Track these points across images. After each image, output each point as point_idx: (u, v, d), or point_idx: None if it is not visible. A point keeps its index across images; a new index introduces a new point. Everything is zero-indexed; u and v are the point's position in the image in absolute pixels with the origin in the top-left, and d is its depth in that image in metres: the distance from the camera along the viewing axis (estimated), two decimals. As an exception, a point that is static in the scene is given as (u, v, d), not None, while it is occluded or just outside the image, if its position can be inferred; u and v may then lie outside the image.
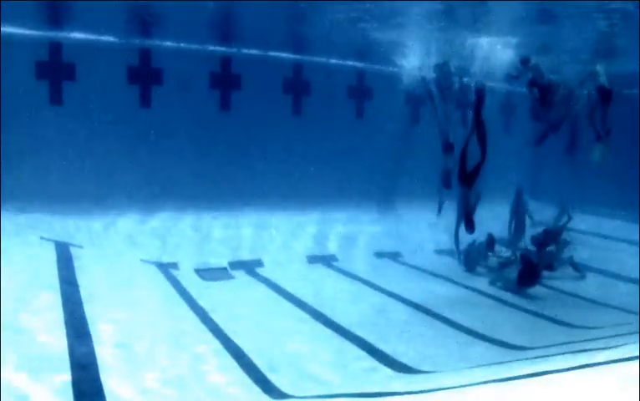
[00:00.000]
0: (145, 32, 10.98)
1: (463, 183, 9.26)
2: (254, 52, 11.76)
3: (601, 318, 8.31)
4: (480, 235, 10.46)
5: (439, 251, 11.78)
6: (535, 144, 11.26)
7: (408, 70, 12.40)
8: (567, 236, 11.22)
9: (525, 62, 9.86)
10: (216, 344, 6.41)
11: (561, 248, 10.83)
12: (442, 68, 11.21)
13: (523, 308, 8.80)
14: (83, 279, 7.69)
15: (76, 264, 8.35)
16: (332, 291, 9.22)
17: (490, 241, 11.08)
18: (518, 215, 12.39)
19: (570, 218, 11.72)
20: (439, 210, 10.71)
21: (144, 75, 10.87)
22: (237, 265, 10.16)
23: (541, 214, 12.98)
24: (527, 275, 9.52)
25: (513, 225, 12.39)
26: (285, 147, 11.78)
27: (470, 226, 9.49)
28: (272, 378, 5.67)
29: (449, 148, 10.31)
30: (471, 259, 10.74)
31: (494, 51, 11.22)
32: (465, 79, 11.54)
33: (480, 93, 8.99)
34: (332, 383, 5.67)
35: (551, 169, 13.35)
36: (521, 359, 6.01)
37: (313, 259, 10.95)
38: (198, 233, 10.83)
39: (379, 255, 11.55)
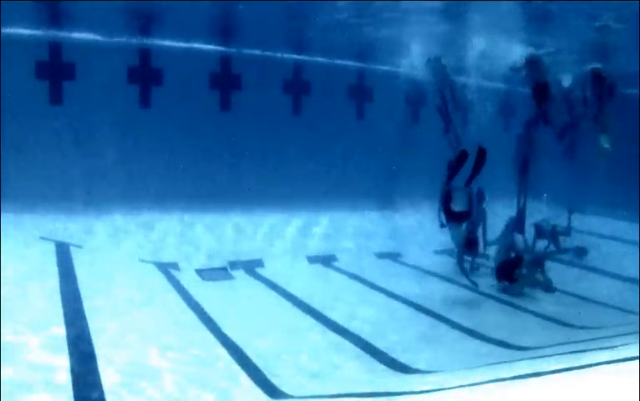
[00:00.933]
0: (145, 32, 10.98)
1: (451, 220, 9.29)
2: (254, 52, 11.76)
3: (601, 318, 8.31)
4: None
5: (439, 251, 11.77)
6: (559, 140, 11.26)
7: (410, 70, 12.40)
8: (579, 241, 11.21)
9: (532, 61, 9.80)
10: (216, 343, 6.41)
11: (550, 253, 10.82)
12: (434, 65, 11.18)
13: (523, 308, 8.80)
14: (83, 279, 7.68)
15: (76, 264, 8.35)
16: (331, 290, 9.21)
17: (480, 194, 10.64)
18: (525, 149, 11.45)
19: (569, 226, 11.71)
20: (442, 224, 10.61)
21: (144, 75, 10.87)
22: (237, 265, 10.16)
23: (542, 214, 12.99)
24: (506, 271, 9.59)
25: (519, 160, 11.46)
26: (285, 147, 11.78)
27: (472, 249, 9.50)
28: (272, 377, 5.67)
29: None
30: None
31: (495, 49, 11.23)
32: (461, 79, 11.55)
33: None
34: (331, 383, 5.67)
35: (551, 169, 13.32)
36: (521, 359, 6.01)
37: (313, 259, 10.95)
38: (198, 233, 10.83)
39: (379, 255, 11.55)
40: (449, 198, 9.17)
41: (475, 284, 9.49)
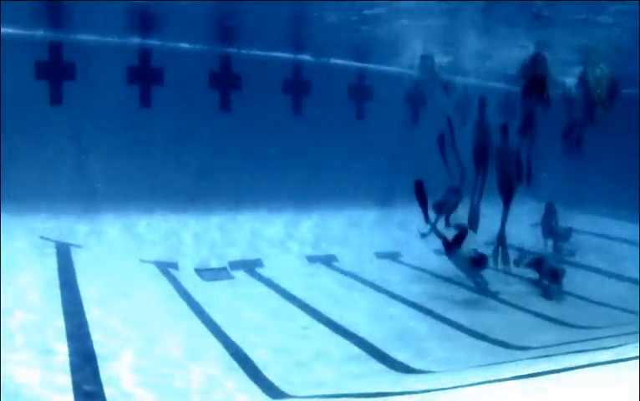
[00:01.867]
0: (145, 33, 10.98)
1: (450, 250, 9.32)
2: (254, 52, 11.76)
3: (602, 318, 8.31)
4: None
5: (439, 251, 11.75)
6: (564, 139, 11.29)
7: (412, 69, 12.40)
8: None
9: (536, 59, 9.68)
10: (216, 343, 6.41)
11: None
12: (425, 62, 11.14)
13: (523, 308, 8.79)
14: (83, 279, 7.68)
15: (76, 264, 8.35)
16: (331, 291, 9.21)
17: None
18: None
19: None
20: (423, 234, 10.34)
21: (144, 75, 10.87)
22: (237, 265, 10.16)
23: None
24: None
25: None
26: (285, 147, 11.77)
27: (482, 265, 9.24)
28: (272, 377, 5.67)
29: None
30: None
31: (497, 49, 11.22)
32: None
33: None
34: (331, 383, 5.67)
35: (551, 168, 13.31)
36: (521, 359, 6.01)
37: (313, 259, 10.94)
38: (198, 233, 10.82)
39: (379, 254, 11.54)
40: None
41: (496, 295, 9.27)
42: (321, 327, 7.39)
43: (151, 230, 10.52)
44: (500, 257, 9.96)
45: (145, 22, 10.60)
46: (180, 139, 10.98)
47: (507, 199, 9.64)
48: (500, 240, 9.95)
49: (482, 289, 9.34)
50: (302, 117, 12.31)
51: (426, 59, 11.20)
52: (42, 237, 9.17)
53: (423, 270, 10.77)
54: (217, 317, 7.29)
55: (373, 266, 10.95)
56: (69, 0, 9.19)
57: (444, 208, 10.14)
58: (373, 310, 8.29)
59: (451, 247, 9.22)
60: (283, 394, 5.28)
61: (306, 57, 12.36)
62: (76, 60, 10.22)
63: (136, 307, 7.12)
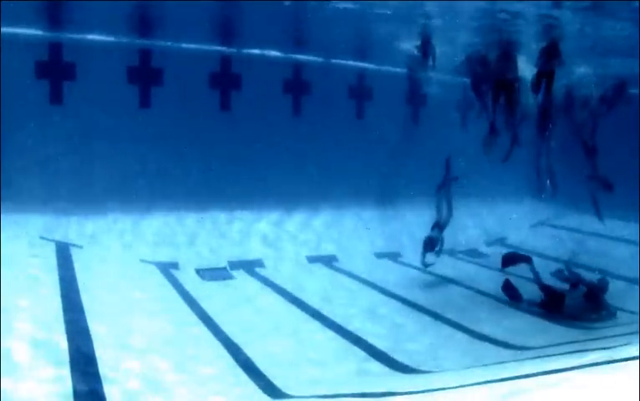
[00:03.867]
0: (145, 33, 10.97)
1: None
2: (254, 52, 11.76)
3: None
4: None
5: (439, 251, 11.74)
6: (574, 135, 11.31)
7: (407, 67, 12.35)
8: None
9: (548, 48, 9.48)
10: (216, 343, 6.41)
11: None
12: (420, 48, 11.07)
13: (523, 308, 8.79)
14: (82, 279, 7.69)
15: (76, 264, 8.36)
16: (331, 291, 9.22)
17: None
18: None
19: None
20: (425, 264, 10.33)
21: (144, 75, 10.87)
22: (237, 265, 10.16)
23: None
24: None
25: None
26: (285, 147, 11.77)
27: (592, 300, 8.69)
28: (272, 377, 5.67)
29: (437, 225, 10.50)
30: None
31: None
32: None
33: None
34: (331, 383, 5.67)
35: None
36: (521, 359, 6.01)
37: (313, 259, 10.95)
38: (198, 233, 10.83)
39: (379, 255, 11.54)
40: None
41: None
42: (321, 327, 7.39)
43: (151, 230, 10.52)
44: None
45: (145, 22, 10.60)
46: (180, 139, 10.98)
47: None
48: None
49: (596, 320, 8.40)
50: (301, 117, 12.31)
51: (419, 55, 11.14)
52: (42, 237, 9.17)
53: (422, 270, 10.75)
54: (217, 317, 7.29)
55: (373, 266, 10.95)
56: (69, 0, 9.18)
57: (432, 244, 10.39)
58: (372, 310, 8.30)
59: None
60: (283, 394, 5.28)
61: (306, 57, 12.36)
62: (76, 60, 10.23)
63: (137, 308, 7.13)
